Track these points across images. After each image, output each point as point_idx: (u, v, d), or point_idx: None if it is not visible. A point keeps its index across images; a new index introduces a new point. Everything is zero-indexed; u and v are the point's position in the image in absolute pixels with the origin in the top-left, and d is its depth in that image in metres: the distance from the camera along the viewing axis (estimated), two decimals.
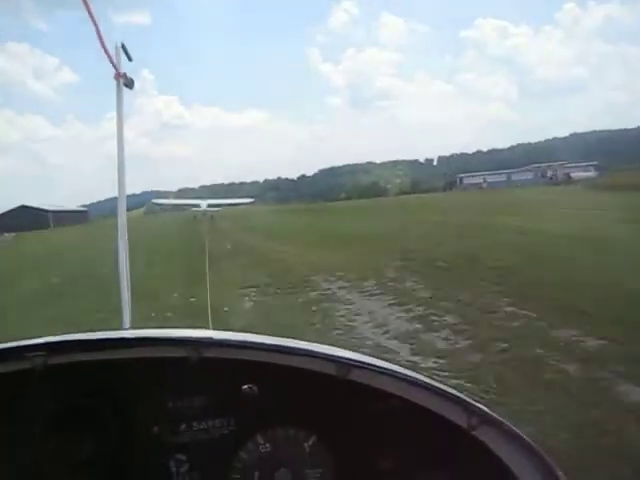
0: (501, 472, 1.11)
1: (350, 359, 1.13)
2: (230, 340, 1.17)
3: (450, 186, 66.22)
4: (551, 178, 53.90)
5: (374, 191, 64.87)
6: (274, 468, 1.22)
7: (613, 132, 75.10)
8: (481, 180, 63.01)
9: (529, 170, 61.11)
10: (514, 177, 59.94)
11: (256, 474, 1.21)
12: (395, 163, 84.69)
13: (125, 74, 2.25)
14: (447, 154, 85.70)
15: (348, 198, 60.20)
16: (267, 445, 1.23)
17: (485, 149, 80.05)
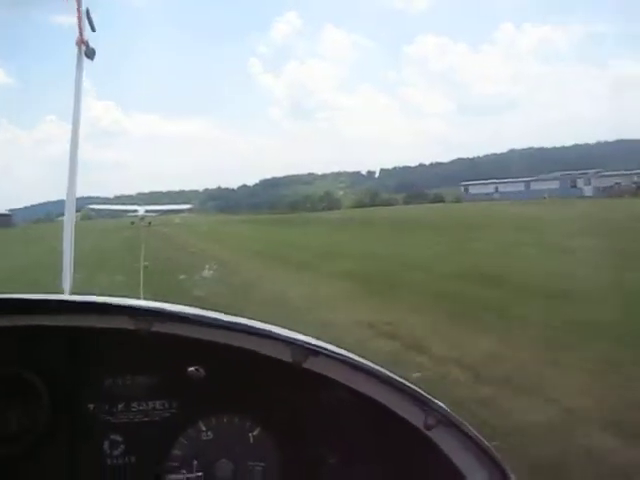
0: (453, 476, 1.06)
1: (308, 344, 1.05)
2: (183, 313, 1.04)
3: (415, 197, 57.93)
4: (611, 187, 42.84)
5: (329, 203, 61.69)
6: (215, 458, 1.14)
7: (549, 150, 78.31)
8: (492, 189, 52.19)
9: (556, 179, 49.99)
10: (534, 186, 49.24)
11: (195, 463, 1.12)
12: (337, 175, 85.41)
13: (87, 42, 2.10)
14: (389, 167, 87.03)
15: (307, 210, 55.30)
16: (209, 433, 1.15)
17: (428, 162, 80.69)
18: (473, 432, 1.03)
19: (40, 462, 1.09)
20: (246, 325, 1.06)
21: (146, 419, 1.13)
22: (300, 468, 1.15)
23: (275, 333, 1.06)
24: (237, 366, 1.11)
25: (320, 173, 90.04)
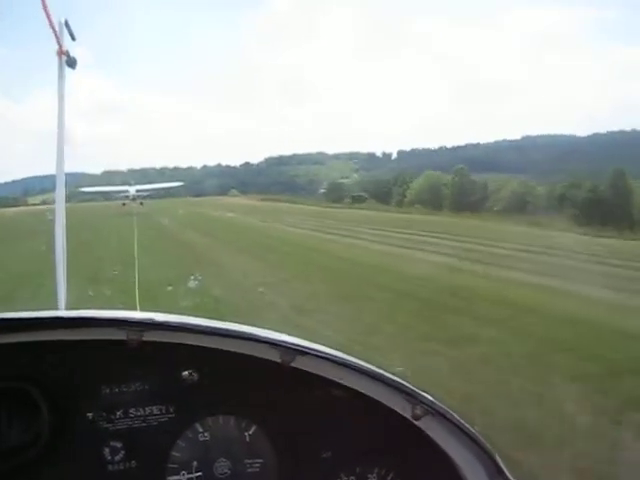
0: (444, 463, 1.12)
1: (295, 344, 1.09)
2: (172, 322, 1.10)
3: None
4: None
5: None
6: (213, 458, 1.18)
7: (566, 137, 71.84)
8: None
9: None
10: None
11: (194, 464, 1.16)
12: (350, 155, 79.17)
13: (68, 52, 2.16)
14: (407, 148, 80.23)
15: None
16: (206, 434, 1.18)
17: (450, 145, 73.56)
18: (459, 420, 1.06)
19: (42, 474, 1.10)
20: (233, 330, 1.08)
21: (144, 424, 1.15)
22: (296, 463, 1.17)
23: (262, 336, 1.08)
24: (228, 369, 1.14)
25: (331, 153, 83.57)
